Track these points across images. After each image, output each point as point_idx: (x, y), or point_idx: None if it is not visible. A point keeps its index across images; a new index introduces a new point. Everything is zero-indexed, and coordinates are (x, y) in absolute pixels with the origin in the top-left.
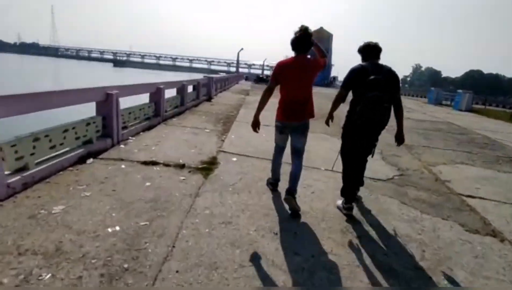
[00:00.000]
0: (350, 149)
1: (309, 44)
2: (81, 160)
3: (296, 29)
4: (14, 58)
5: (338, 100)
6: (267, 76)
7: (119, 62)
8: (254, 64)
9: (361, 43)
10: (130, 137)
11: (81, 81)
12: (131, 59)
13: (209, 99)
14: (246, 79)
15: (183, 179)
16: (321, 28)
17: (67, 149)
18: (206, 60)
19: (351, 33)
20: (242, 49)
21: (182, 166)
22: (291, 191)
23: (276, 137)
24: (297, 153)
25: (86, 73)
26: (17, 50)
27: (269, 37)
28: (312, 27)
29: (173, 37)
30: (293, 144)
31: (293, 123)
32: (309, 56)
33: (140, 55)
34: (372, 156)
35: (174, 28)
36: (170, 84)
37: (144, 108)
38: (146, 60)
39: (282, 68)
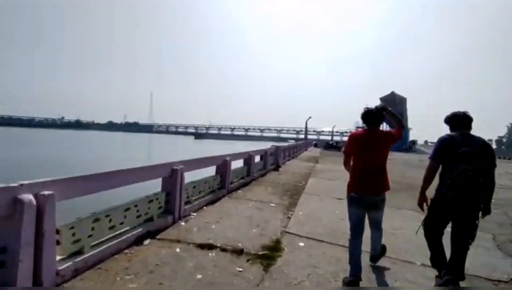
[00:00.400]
0: (440, 223)
1: (380, 118)
2: (139, 240)
3: (368, 106)
4: (119, 135)
5: (430, 174)
6: (337, 142)
7: (199, 134)
8: (323, 131)
9: (448, 113)
10: (192, 213)
11: (164, 152)
12: (210, 131)
13: (276, 168)
14: (315, 146)
15: (240, 271)
16: (392, 92)
17: (126, 228)
18: (275, 129)
19: (429, 92)
20: (310, 117)
21: (240, 252)
22: (375, 258)
23: (351, 212)
24: (376, 223)
25: (170, 145)
26: (122, 128)
27: (338, 104)
28: (383, 92)
29: (245, 109)
30: (370, 217)
31: (370, 197)
32: (382, 128)
33: (217, 128)
34: (471, 241)
35: (246, 100)
36: (237, 156)
37: (209, 180)
38: (222, 132)
39: (353, 141)
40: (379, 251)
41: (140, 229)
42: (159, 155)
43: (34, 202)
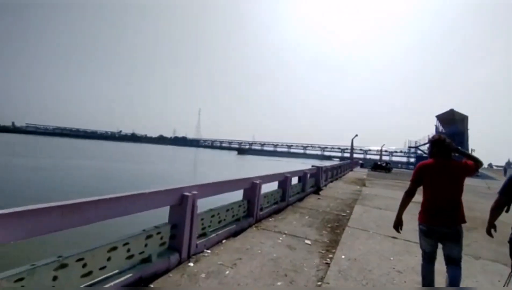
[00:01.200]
0: None
1: (447, 151)
2: None
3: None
4: (168, 148)
5: (497, 209)
6: (386, 163)
7: (242, 150)
8: (370, 150)
9: None
10: (205, 250)
11: (210, 165)
12: (253, 147)
13: (317, 191)
14: (362, 166)
15: None
16: (451, 110)
17: (109, 274)
18: (319, 147)
19: (491, 108)
20: (356, 135)
21: None
22: None
23: (422, 242)
24: (453, 262)
25: (214, 159)
26: (171, 142)
27: (387, 122)
28: (442, 108)
29: (288, 126)
30: (446, 253)
31: (442, 228)
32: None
33: (260, 144)
34: None
35: (290, 117)
36: (269, 178)
37: (233, 207)
38: (265, 148)
39: (423, 171)
40: None
41: (129, 275)
42: (203, 167)
43: None
